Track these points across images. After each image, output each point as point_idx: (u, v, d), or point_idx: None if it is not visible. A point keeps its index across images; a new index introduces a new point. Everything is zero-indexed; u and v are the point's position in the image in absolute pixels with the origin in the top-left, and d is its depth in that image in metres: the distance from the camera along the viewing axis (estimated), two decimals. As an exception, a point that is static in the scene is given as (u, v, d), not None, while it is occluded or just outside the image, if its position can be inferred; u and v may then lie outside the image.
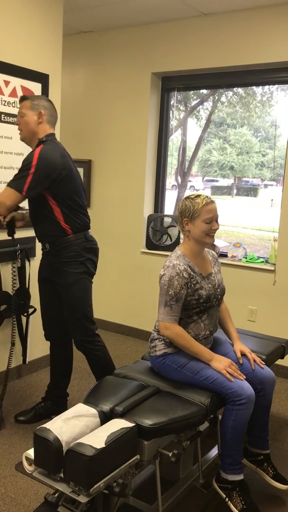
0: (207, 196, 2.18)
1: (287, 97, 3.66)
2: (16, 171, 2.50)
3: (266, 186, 5.16)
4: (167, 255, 4.25)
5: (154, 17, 3.97)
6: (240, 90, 4.37)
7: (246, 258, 3.98)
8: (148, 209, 4.43)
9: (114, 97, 4.40)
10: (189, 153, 4.90)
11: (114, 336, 4.57)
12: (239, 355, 2.30)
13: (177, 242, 4.32)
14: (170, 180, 5.15)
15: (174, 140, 4.82)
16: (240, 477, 2.15)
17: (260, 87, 4.19)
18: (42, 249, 2.71)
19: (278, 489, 2.33)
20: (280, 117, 4.04)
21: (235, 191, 5.50)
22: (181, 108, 4.77)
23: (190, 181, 5.32)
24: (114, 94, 4.40)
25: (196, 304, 2.18)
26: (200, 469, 2.35)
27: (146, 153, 4.30)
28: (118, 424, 1.82)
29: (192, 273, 2.18)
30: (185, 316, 2.21)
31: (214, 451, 2.56)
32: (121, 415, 1.94)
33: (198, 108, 4.76)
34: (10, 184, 2.44)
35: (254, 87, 4.24)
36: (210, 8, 3.69)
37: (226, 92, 4.48)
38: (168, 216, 4.39)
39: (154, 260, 4.35)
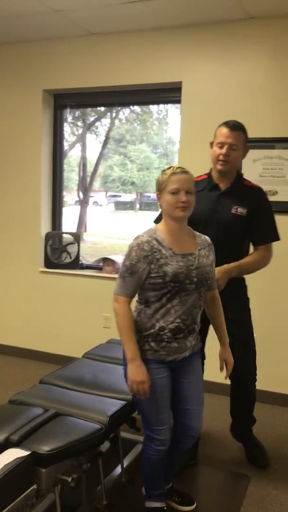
0: (180, 167, 1.94)
1: (179, 115, 3.80)
2: None
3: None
4: (68, 274, 4.28)
5: (44, 35, 3.95)
6: (136, 107, 4.47)
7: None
8: (45, 226, 4.36)
9: (4, 114, 4.31)
10: (91, 168, 4.90)
11: (14, 360, 4.40)
12: (221, 364, 2.17)
13: (77, 260, 4.28)
14: (73, 196, 5.12)
15: (74, 155, 4.80)
16: (153, 504, 2.22)
17: (156, 105, 4.32)
18: None
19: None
20: (176, 134, 4.19)
21: (138, 205, 5.58)
22: (79, 124, 4.77)
23: (92, 196, 5.32)
24: (4, 110, 4.31)
25: (163, 283, 1.92)
26: (103, 491, 2.31)
27: (41, 170, 4.23)
28: (12, 454, 1.75)
29: (157, 246, 1.93)
30: (154, 297, 1.96)
31: (118, 470, 2.54)
32: (17, 444, 1.85)
33: (96, 124, 4.79)
34: None
35: (150, 105, 4.36)
36: (98, 28, 3.75)
37: (123, 110, 4.55)
38: (67, 233, 4.34)
39: (54, 279, 4.27)
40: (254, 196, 2.43)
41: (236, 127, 2.36)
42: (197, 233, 2.09)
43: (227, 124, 2.37)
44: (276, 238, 2.48)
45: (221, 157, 2.33)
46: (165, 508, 2.23)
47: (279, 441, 3.09)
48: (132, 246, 1.95)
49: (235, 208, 2.38)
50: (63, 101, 4.29)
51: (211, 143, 2.45)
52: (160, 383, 2.02)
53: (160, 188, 1.96)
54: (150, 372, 1.99)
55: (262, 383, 3.65)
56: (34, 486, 1.79)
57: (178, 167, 1.94)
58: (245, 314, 2.60)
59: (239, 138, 2.37)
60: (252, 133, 3.51)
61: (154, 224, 2.08)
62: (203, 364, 2.59)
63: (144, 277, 1.94)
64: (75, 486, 1.89)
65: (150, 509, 2.23)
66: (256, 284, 2.78)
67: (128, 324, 1.96)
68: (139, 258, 1.93)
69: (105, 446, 2.66)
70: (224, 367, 2.21)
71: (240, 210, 2.38)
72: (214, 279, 2.15)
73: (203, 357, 2.63)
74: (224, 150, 2.33)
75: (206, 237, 2.11)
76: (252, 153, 3.51)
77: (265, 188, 3.46)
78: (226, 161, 2.35)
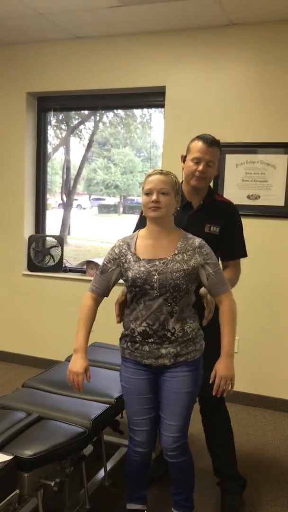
0: (161, 169, 1.96)
1: (163, 119, 3.82)
2: None
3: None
4: (51, 277, 4.26)
5: (29, 37, 3.95)
6: (120, 111, 4.48)
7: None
8: (28, 229, 4.33)
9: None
10: (74, 171, 4.90)
11: (-3, 363, 4.37)
12: (212, 374, 1.98)
13: (60, 263, 4.26)
14: (57, 199, 5.10)
15: (58, 158, 4.79)
16: (133, 506, 2.21)
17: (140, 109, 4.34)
18: None
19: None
20: (159, 138, 4.21)
21: (121, 209, 5.59)
22: (63, 127, 4.76)
23: (76, 199, 5.31)
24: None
25: (129, 287, 1.99)
26: (86, 495, 2.30)
27: (24, 172, 4.21)
28: (-6, 459, 1.73)
29: (125, 251, 1.99)
30: (129, 299, 2.04)
31: (101, 474, 2.53)
32: (-1, 449, 1.84)
33: (80, 128, 4.79)
34: None
35: (133, 109, 4.38)
36: (83, 31, 3.75)
37: (107, 113, 4.56)
38: (50, 236, 4.32)
39: (37, 282, 4.25)
40: (226, 213, 2.35)
41: (213, 143, 2.24)
42: (190, 235, 2.02)
43: (203, 139, 2.22)
44: (245, 254, 2.42)
45: (197, 173, 2.21)
46: (145, 511, 2.22)
47: (261, 442, 3.12)
48: (110, 248, 2.06)
49: (207, 227, 2.30)
50: (47, 104, 4.28)
51: (183, 157, 2.33)
52: (136, 384, 2.03)
53: (142, 190, 1.98)
54: (127, 371, 2.06)
55: (244, 385, 3.69)
56: (17, 491, 1.78)
57: (156, 169, 1.97)
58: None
59: (216, 154, 2.26)
60: (235, 138, 3.56)
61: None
62: None
63: (114, 278, 2.04)
64: (58, 491, 1.88)
65: (130, 511, 2.22)
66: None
67: (84, 316, 2.06)
68: (109, 260, 2.03)
69: (88, 449, 2.65)
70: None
71: (213, 229, 2.29)
72: (213, 285, 1.98)
73: None
74: (201, 167, 2.21)
75: (197, 240, 2.00)
76: (235, 158, 3.55)
77: (247, 192, 3.52)
78: (202, 178, 2.24)
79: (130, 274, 1.95)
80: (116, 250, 2.01)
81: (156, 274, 1.92)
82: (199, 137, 2.24)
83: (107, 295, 2.10)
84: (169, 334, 1.96)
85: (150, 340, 1.97)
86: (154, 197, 1.90)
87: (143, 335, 1.97)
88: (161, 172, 1.94)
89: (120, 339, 2.09)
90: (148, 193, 1.92)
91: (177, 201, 1.98)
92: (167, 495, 2.33)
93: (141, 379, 2.03)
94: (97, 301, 2.09)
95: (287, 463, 2.88)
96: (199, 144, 2.22)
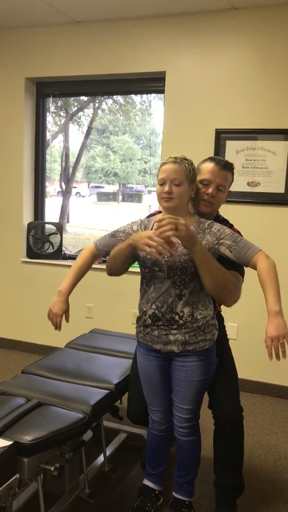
0: (176, 156, 1.91)
1: (162, 106, 3.79)
2: None
3: (150, 192, 5.29)
4: (50, 264, 4.25)
5: (27, 22, 3.89)
6: (119, 98, 4.44)
7: (130, 263, 4.04)
8: (27, 216, 4.32)
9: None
10: (73, 159, 4.86)
11: (-3, 350, 4.38)
12: (265, 341, 1.76)
13: (59, 250, 4.26)
14: (55, 187, 5.07)
15: (57, 146, 4.76)
16: (147, 482, 2.27)
17: (139, 95, 4.30)
18: None
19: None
20: (159, 125, 4.18)
21: (120, 197, 5.56)
22: (62, 114, 4.72)
23: (75, 187, 5.29)
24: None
25: (140, 267, 2.00)
26: (85, 479, 2.32)
27: (22, 159, 4.19)
28: (-6, 444, 1.73)
29: (140, 230, 1.99)
30: (141, 282, 2.04)
31: (100, 459, 2.55)
32: (-1, 434, 1.84)
33: (79, 114, 4.75)
34: None
35: (133, 96, 4.34)
36: (82, 16, 3.71)
37: (106, 100, 4.52)
38: (49, 223, 4.30)
39: (36, 269, 4.25)
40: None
41: (226, 166, 2.03)
42: (203, 219, 1.97)
43: (216, 160, 2.03)
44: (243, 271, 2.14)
45: (206, 197, 2.00)
46: (157, 491, 2.25)
47: (259, 428, 3.14)
48: (131, 222, 2.07)
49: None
50: (46, 89, 4.24)
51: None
52: (146, 369, 2.09)
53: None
54: (140, 355, 2.11)
55: (243, 372, 3.70)
56: (17, 476, 1.79)
57: (171, 157, 1.91)
58: (226, 355, 2.25)
59: (228, 180, 2.05)
60: (235, 124, 3.54)
61: None
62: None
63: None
64: (57, 475, 1.89)
65: (143, 486, 2.26)
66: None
67: (77, 264, 2.13)
68: (124, 231, 2.05)
69: (88, 435, 2.67)
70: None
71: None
72: (239, 254, 1.88)
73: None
74: (211, 190, 1.99)
75: (208, 221, 1.96)
76: (235, 144, 3.53)
77: (247, 179, 3.50)
78: (210, 202, 2.02)
79: (141, 254, 1.96)
80: (134, 227, 2.03)
81: (165, 256, 1.90)
82: (211, 158, 2.05)
83: (106, 255, 2.11)
84: (177, 317, 1.94)
85: (159, 323, 1.97)
86: (166, 188, 1.88)
87: (152, 318, 1.98)
88: (175, 161, 1.90)
89: (136, 321, 2.11)
90: (161, 183, 1.90)
91: (191, 189, 1.94)
92: (169, 480, 2.35)
93: (152, 365, 2.07)
94: (95, 256, 2.15)
95: (285, 449, 2.90)
96: (210, 165, 2.02)
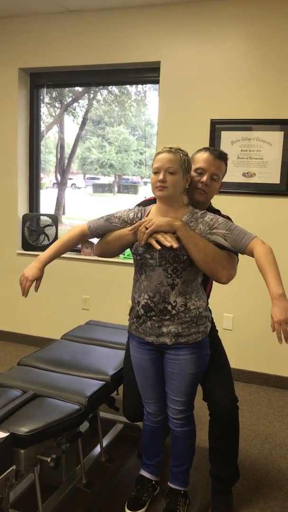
0: (171, 147, 1.92)
1: (157, 98, 3.77)
2: None
3: (145, 183, 5.28)
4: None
5: (21, 11, 3.85)
6: (115, 88, 4.41)
7: (124, 254, 4.04)
8: (22, 208, 4.30)
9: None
10: (68, 150, 4.84)
11: (-6, 342, 4.39)
12: (271, 325, 1.72)
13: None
14: (51, 178, 5.05)
15: (52, 137, 4.73)
16: (143, 473, 2.31)
17: (134, 86, 4.27)
18: None
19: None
20: (154, 116, 4.16)
21: (116, 188, 5.54)
22: (57, 105, 4.69)
23: (70, 178, 5.27)
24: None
25: (132, 254, 2.00)
26: (82, 470, 2.33)
27: (17, 151, 4.17)
28: (-9, 436, 1.74)
29: (138, 219, 2.00)
30: (135, 270, 2.04)
31: (97, 450, 2.57)
32: (-5, 426, 1.85)
33: (73, 105, 4.72)
34: None
35: (128, 86, 4.31)
36: (76, 5, 3.67)
37: (101, 91, 4.49)
38: (44, 215, 4.29)
39: (31, 261, 4.20)
40: None
41: (221, 156, 2.07)
42: (196, 210, 1.97)
43: (211, 150, 2.06)
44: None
45: (200, 185, 2.02)
46: (153, 481, 2.28)
47: (255, 418, 3.16)
48: (128, 209, 2.05)
49: None
50: (40, 80, 4.20)
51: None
52: (139, 362, 2.09)
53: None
54: (132, 348, 2.11)
55: (238, 362, 3.73)
56: (13, 467, 1.80)
57: (166, 147, 1.92)
58: (218, 347, 2.26)
59: (222, 169, 2.08)
60: (230, 115, 3.52)
61: None
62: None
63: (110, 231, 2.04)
64: (54, 466, 1.90)
65: (139, 476, 2.29)
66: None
67: (64, 239, 2.08)
68: (120, 218, 2.02)
69: (85, 426, 2.69)
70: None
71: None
72: (235, 242, 1.87)
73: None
74: (205, 178, 2.03)
75: (201, 211, 1.96)
76: (230, 135, 3.52)
77: (243, 170, 3.49)
78: (204, 191, 2.04)
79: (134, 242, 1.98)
80: (131, 215, 2.02)
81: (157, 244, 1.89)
82: (206, 148, 2.09)
83: (96, 237, 2.10)
84: (169, 307, 1.93)
85: (151, 314, 1.96)
86: (161, 176, 1.87)
87: (145, 308, 1.97)
88: (169, 150, 1.90)
89: (129, 313, 2.10)
90: (156, 172, 1.90)
91: (186, 180, 1.93)
92: (164, 470, 2.37)
93: (144, 358, 2.07)
94: (85, 236, 2.09)
95: (280, 438, 2.92)
96: (205, 155, 2.05)
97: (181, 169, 1.90)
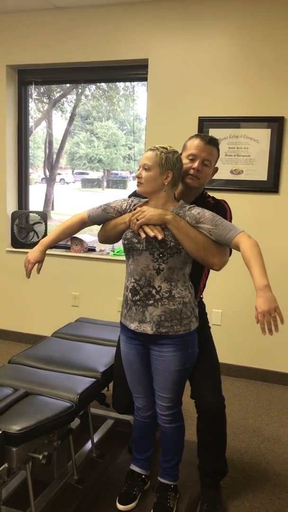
0: (159, 146, 1.98)
1: (145, 92, 3.77)
2: None
3: (134, 178, 5.28)
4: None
5: (7, 7, 3.82)
6: (103, 84, 4.40)
7: (114, 251, 4.05)
8: (11, 205, 4.29)
9: None
10: (57, 145, 4.83)
11: (-17, 339, 4.39)
12: (255, 316, 1.74)
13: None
14: (40, 174, 5.04)
15: (40, 132, 4.71)
16: (133, 467, 2.35)
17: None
18: None
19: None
20: (142, 110, 4.16)
21: (105, 183, 5.54)
22: (45, 100, 4.67)
23: (59, 174, 5.25)
24: None
25: (122, 240, 2.08)
26: (74, 466, 2.36)
27: (5, 147, 4.15)
28: (-18, 435, 1.76)
29: (130, 209, 2.06)
30: (125, 256, 2.10)
31: (88, 446, 2.59)
32: (-13, 424, 1.87)
33: (62, 101, 4.70)
34: None
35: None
36: (63, 1, 3.65)
37: (89, 86, 4.48)
38: (33, 212, 4.29)
39: (21, 258, 4.24)
40: (216, 211, 2.12)
41: (212, 141, 2.11)
42: (185, 204, 2.00)
43: (201, 136, 2.10)
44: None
45: (191, 171, 2.06)
46: (143, 476, 2.32)
47: (243, 412, 3.21)
48: (123, 199, 2.13)
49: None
50: (28, 77, 4.18)
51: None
52: (127, 357, 2.13)
53: None
54: (122, 341, 2.15)
55: (227, 357, 3.77)
56: (5, 465, 1.82)
57: (155, 146, 1.99)
58: (208, 343, 2.28)
59: (213, 154, 2.11)
60: (218, 112, 3.54)
61: None
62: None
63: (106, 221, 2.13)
64: (46, 463, 1.92)
65: (130, 471, 2.33)
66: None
67: (66, 224, 2.18)
68: (115, 208, 2.10)
69: (75, 422, 2.71)
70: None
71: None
72: (220, 236, 1.91)
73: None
74: (196, 164, 2.06)
75: (189, 205, 2.00)
76: (218, 132, 3.54)
77: (230, 167, 3.52)
78: (196, 177, 2.08)
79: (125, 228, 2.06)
80: (124, 205, 2.09)
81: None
82: (197, 135, 2.13)
83: (97, 225, 2.19)
84: (154, 291, 1.95)
85: (136, 298, 1.99)
86: (138, 172, 1.97)
87: (132, 292, 2.01)
88: (151, 148, 1.98)
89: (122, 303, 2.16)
90: (139, 168, 1.99)
91: (166, 177, 1.94)
92: (154, 465, 2.41)
93: (132, 353, 2.10)
94: (84, 224, 2.18)
95: (269, 432, 2.97)
96: (196, 141, 2.09)
97: (157, 166, 1.93)
